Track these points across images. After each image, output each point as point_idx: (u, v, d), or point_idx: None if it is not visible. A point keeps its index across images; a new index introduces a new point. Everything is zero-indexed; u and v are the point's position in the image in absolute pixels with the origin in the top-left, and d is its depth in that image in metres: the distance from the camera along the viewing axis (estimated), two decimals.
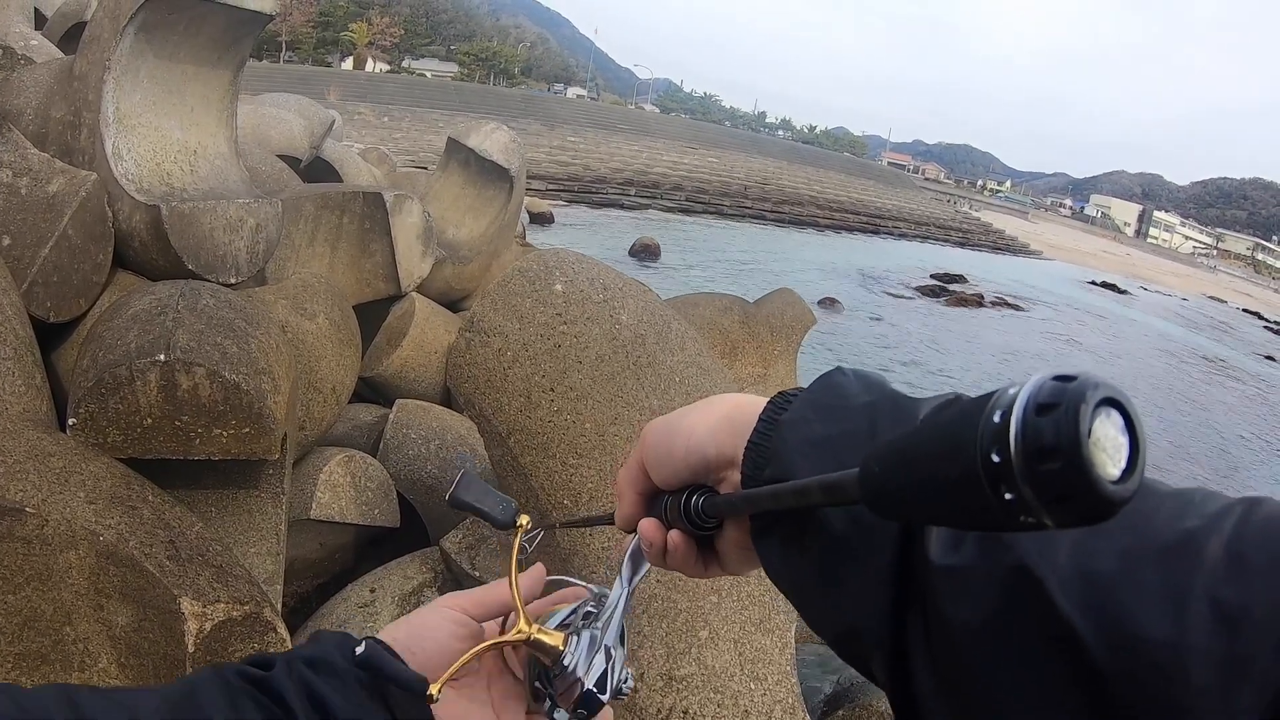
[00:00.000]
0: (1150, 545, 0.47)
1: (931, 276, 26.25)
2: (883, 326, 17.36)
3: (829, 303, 18.37)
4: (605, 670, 0.77)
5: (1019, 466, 0.38)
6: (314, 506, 3.55)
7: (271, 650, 2.43)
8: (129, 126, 3.88)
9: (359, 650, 0.75)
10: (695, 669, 2.54)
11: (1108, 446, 0.38)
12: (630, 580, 0.82)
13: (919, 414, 0.59)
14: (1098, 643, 0.45)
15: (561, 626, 0.81)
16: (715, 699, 2.53)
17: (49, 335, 3.55)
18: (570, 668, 0.77)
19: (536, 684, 0.81)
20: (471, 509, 0.88)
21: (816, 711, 3.60)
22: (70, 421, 2.73)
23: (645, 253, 20.11)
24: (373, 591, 3.26)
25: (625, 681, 0.79)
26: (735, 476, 0.69)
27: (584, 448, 2.65)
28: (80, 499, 2.43)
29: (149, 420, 2.76)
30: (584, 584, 0.88)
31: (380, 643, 0.77)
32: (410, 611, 2.77)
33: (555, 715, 0.80)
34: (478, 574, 3.12)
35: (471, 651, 0.78)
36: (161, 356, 2.72)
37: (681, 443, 0.73)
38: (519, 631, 0.79)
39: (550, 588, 0.91)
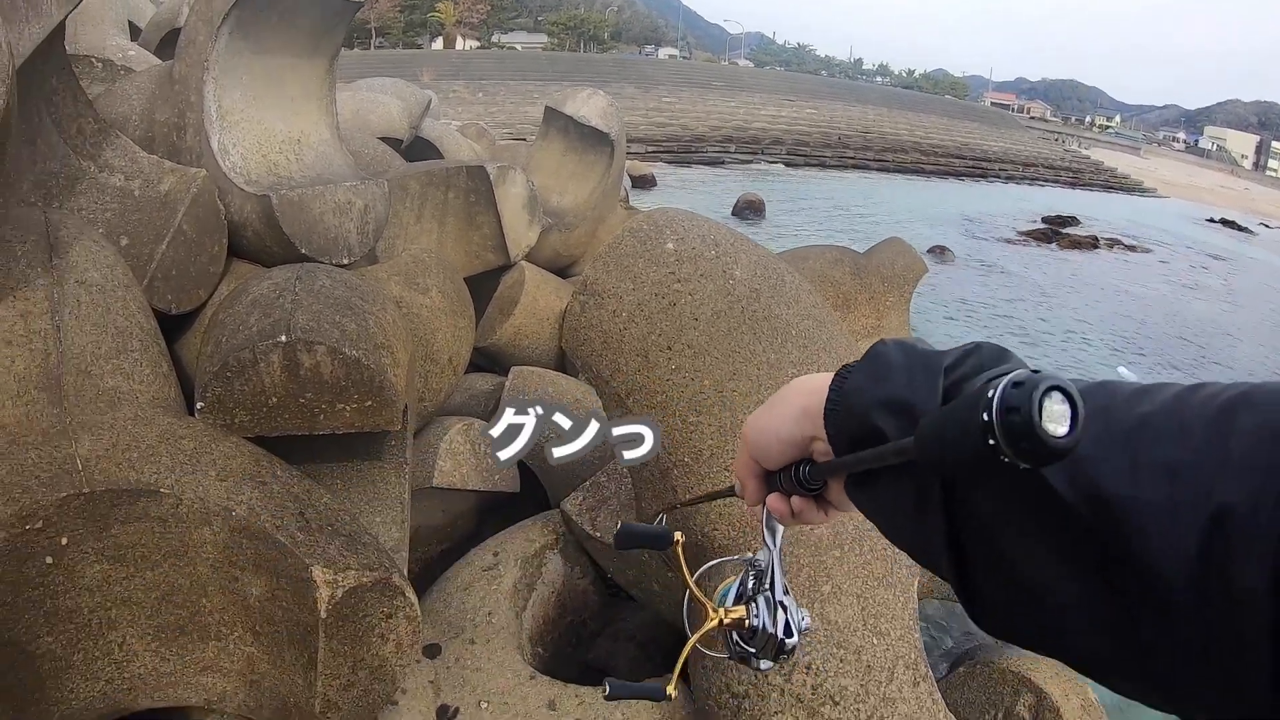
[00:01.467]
0: (1117, 429, 0.62)
1: (1043, 219, 25.38)
2: (995, 273, 16.86)
3: (939, 251, 17.86)
4: (786, 619, 0.98)
5: (996, 418, 0.57)
6: (436, 475, 3.60)
7: (398, 615, 2.47)
8: (232, 122, 3.97)
9: None
10: (818, 624, 2.51)
11: (1054, 413, 0.56)
12: (775, 544, 1.02)
13: (942, 364, 0.76)
14: (1083, 507, 0.60)
15: (738, 599, 1.03)
16: (838, 654, 2.50)
17: (172, 326, 3.66)
18: (761, 627, 0.98)
19: (739, 647, 1.02)
20: (638, 545, 1.11)
21: (939, 667, 3.54)
22: (198, 405, 2.79)
23: (750, 209, 19.77)
24: (495, 555, 3.29)
25: (803, 620, 1.00)
26: (821, 445, 0.87)
27: (704, 405, 2.62)
28: (211, 477, 2.49)
29: (274, 399, 2.81)
30: (737, 557, 1.08)
31: None
32: (533, 574, 2.77)
33: (763, 664, 1.01)
34: (599, 535, 3.12)
35: (684, 650, 1.04)
36: (283, 338, 2.76)
37: (774, 439, 0.92)
38: (713, 620, 1.01)
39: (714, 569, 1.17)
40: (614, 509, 3.17)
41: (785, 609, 0.99)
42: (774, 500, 0.95)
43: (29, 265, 2.82)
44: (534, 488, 4.03)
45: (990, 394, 0.58)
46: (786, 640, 0.98)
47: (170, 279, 3.61)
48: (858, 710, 2.48)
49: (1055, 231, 23.48)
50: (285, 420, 2.85)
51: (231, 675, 2.58)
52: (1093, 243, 22.98)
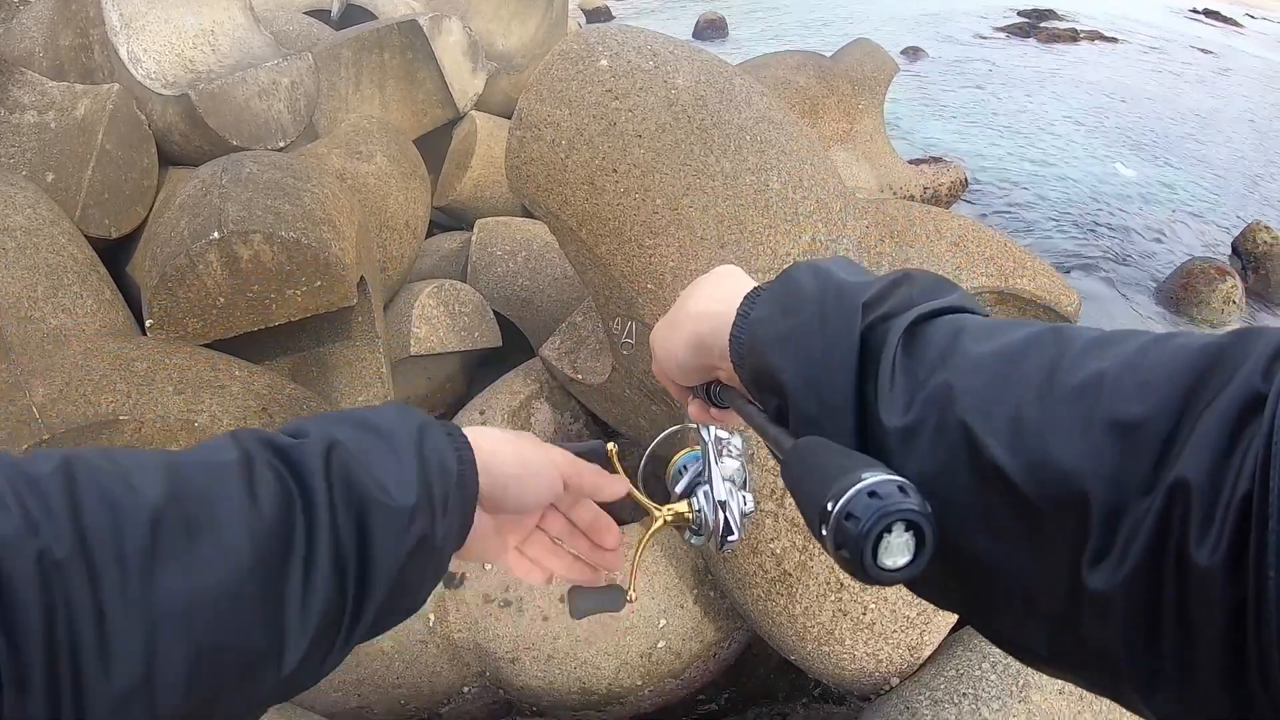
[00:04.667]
0: (1067, 385, 0.53)
1: (1019, 14, 24.57)
2: (975, 71, 16.30)
3: (913, 51, 17.08)
4: (726, 518, 0.98)
5: (829, 545, 0.55)
6: (412, 342, 3.51)
7: None
8: (138, 28, 3.82)
9: (437, 450, 0.77)
10: (758, 508, 2.42)
11: (894, 548, 0.52)
12: (710, 438, 1.02)
13: (859, 300, 0.67)
14: (1024, 477, 0.52)
15: (687, 489, 1.04)
16: None
17: (120, 250, 3.60)
18: (704, 522, 1.00)
19: (688, 533, 1.04)
20: (595, 609, 1.03)
21: None
22: (147, 322, 2.72)
23: (711, 29, 18.95)
24: (482, 414, 3.21)
25: (746, 505, 1.00)
26: (723, 374, 0.85)
27: (659, 225, 2.47)
28: (169, 393, 2.44)
29: (221, 300, 2.72)
30: (692, 427, 1.06)
31: (466, 448, 0.81)
32: (522, 427, 2.71)
33: (694, 540, 1.04)
34: (581, 376, 3.02)
35: (637, 552, 1.01)
36: (215, 234, 2.65)
37: (675, 364, 0.89)
38: (657, 522, 1.01)
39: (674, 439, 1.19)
40: (593, 348, 3.06)
41: (725, 507, 0.98)
42: (695, 409, 0.95)
43: None
44: (517, 339, 3.93)
45: (829, 505, 0.54)
46: (728, 538, 0.99)
47: (104, 203, 3.50)
48: None
49: (1032, 25, 22.72)
50: (238, 319, 2.76)
51: None
52: (1072, 35, 22.22)
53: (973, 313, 0.67)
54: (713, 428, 1.01)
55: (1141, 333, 0.56)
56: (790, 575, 2.41)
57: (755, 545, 2.42)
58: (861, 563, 0.52)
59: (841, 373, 0.64)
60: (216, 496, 0.63)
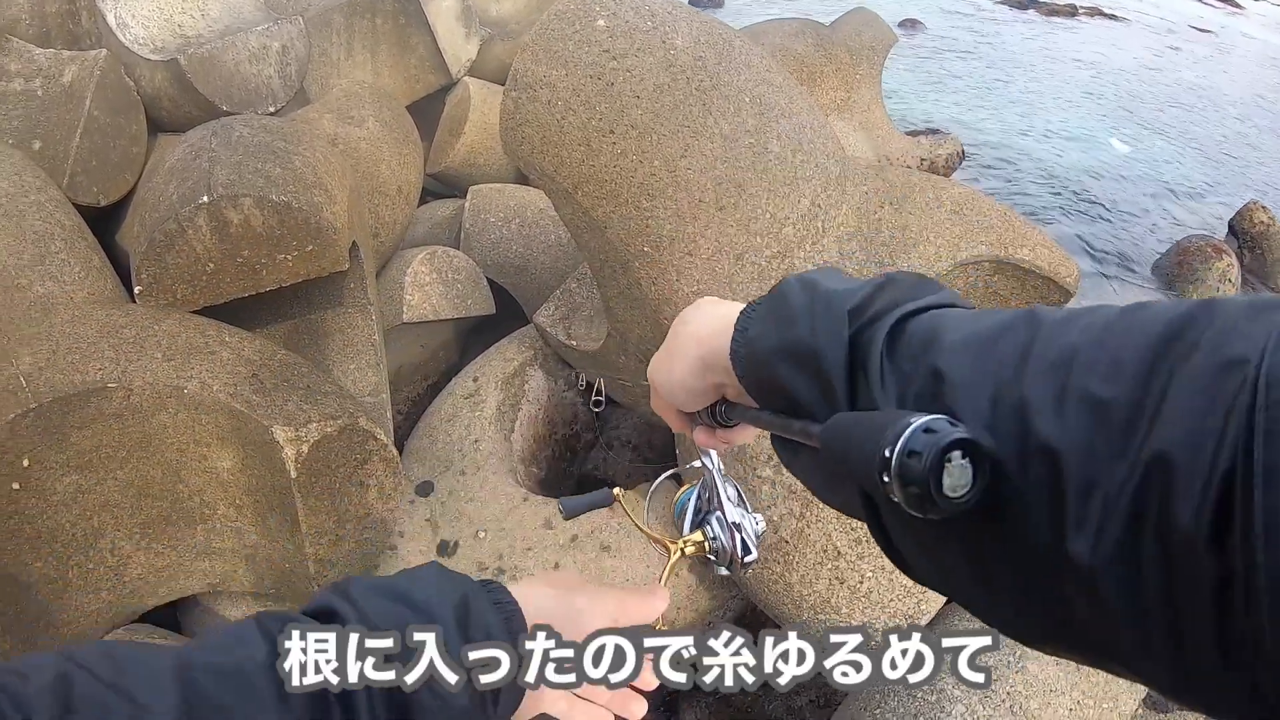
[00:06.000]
0: (1041, 362, 0.55)
1: None
2: (973, 44, 16.14)
3: (911, 24, 16.89)
4: (742, 539, 1.02)
5: (896, 488, 0.55)
6: (405, 309, 3.45)
7: (372, 459, 2.38)
8: None
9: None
10: (769, 528, 2.41)
11: (954, 475, 0.53)
12: (714, 464, 1.07)
13: (845, 308, 0.68)
14: (1007, 453, 0.54)
15: (694, 520, 1.08)
16: None
17: (109, 218, 3.54)
18: (720, 549, 1.04)
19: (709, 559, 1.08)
20: (585, 508, 1.14)
21: None
22: (136, 289, 2.67)
23: None
24: (476, 380, 3.18)
25: (758, 525, 1.05)
26: (732, 391, 0.84)
27: (656, 188, 2.43)
28: (158, 360, 2.40)
29: (211, 265, 2.66)
30: (691, 466, 1.13)
31: (515, 614, 0.80)
32: (516, 393, 2.66)
33: (731, 570, 1.07)
34: (574, 343, 2.99)
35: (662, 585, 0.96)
36: (204, 199, 2.59)
37: (681, 390, 0.89)
38: (675, 555, 1.05)
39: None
40: (587, 315, 3.03)
41: (739, 529, 1.03)
42: (701, 435, 0.94)
43: None
44: (511, 306, 3.89)
45: (887, 451, 0.54)
46: (745, 557, 1.02)
47: (91, 170, 3.44)
48: None
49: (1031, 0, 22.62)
50: (228, 284, 2.71)
51: (226, 555, 2.54)
52: (1071, 10, 22.11)
53: (956, 307, 0.68)
54: (713, 453, 1.05)
55: (1110, 306, 0.56)
56: (787, 543, 2.39)
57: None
58: (930, 494, 0.53)
59: (838, 380, 0.66)
60: (240, 712, 0.60)
